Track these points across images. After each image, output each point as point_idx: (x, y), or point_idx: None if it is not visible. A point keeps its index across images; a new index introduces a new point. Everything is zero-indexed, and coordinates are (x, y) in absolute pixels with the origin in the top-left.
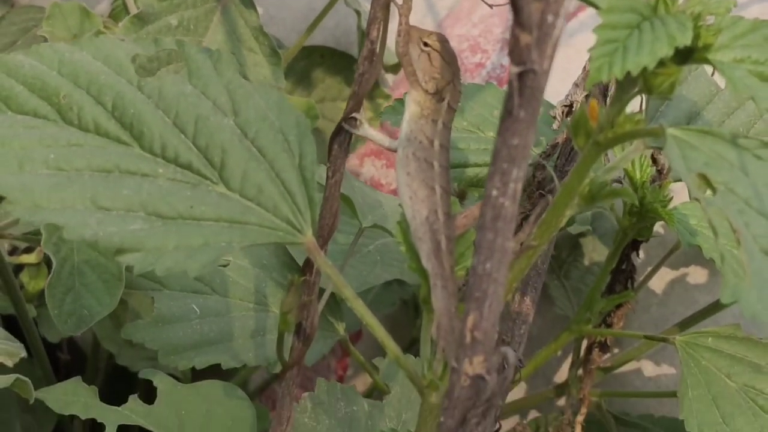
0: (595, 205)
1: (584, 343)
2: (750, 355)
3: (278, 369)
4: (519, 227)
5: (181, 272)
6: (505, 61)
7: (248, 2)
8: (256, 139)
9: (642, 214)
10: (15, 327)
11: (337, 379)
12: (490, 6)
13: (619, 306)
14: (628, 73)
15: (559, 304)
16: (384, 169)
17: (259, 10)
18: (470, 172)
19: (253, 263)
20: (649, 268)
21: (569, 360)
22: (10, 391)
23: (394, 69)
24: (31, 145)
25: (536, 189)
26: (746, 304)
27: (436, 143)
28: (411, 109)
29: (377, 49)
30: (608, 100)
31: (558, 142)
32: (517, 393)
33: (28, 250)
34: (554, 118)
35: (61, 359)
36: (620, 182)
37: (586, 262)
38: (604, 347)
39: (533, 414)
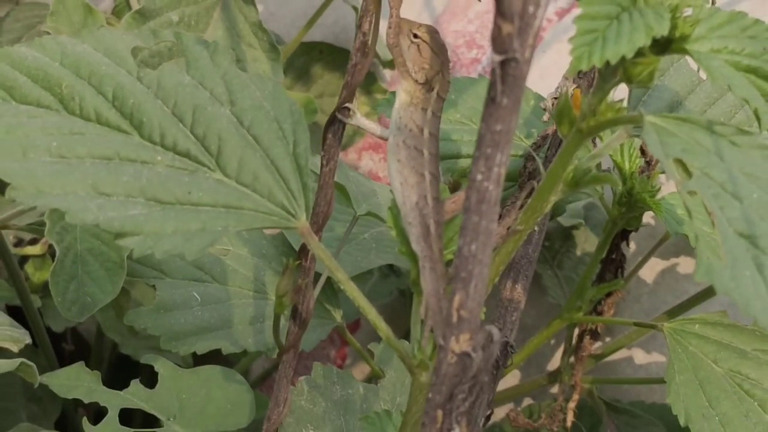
0: (580, 191)
1: (576, 331)
2: (736, 341)
3: (276, 354)
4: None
5: (179, 255)
6: None
7: None
8: (251, 127)
9: (631, 204)
10: (20, 317)
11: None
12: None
13: (609, 294)
14: (608, 62)
15: (551, 293)
16: (382, 163)
17: (260, 6)
18: (463, 162)
19: (252, 252)
20: (640, 258)
21: (562, 348)
22: (16, 380)
23: (391, 64)
24: (34, 133)
25: (527, 179)
26: (719, 283)
27: (426, 131)
28: (401, 99)
29: (369, 41)
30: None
31: (548, 134)
32: (511, 380)
33: (33, 242)
34: (545, 110)
35: (65, 350)
36: (610, 172)
37: (579, 253)
38: (594, 335)
39: (527, 401)
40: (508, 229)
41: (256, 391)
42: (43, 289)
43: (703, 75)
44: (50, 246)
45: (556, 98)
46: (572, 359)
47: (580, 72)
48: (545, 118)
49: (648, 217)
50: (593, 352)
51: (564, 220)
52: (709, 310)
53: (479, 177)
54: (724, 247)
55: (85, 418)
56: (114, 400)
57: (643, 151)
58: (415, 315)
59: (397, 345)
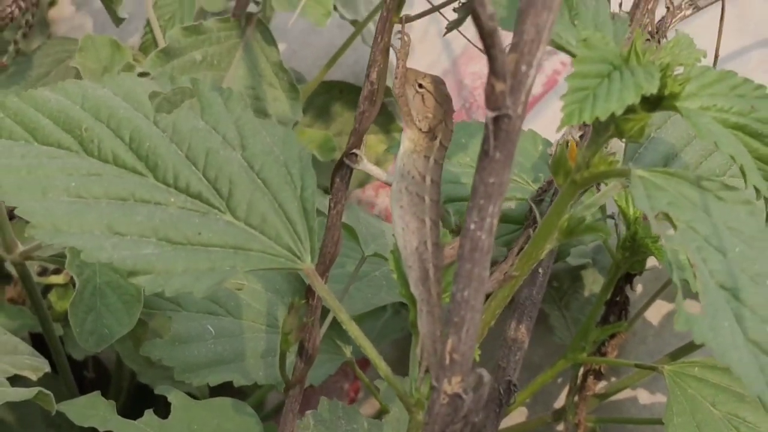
0: (576, 239)
1: (581, 371)
2: (734, 384)
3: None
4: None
5: (188, 293)
6: None
7: (269, 39)
8: (261, 171)
9: (634, 249)
10: (43, 344)
11: (349, 401)
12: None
13: (612, 336)
14: (599, 118)
15: (558, 333)
16: None
17: (283, 45)
18: None
19: (266, 287)
20: (646, 300)
21: (568, 387)
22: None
23: None
24: (54, 173)
25: (533, 223)
26: (698, 332)
27: (428, 178)
28: (405, 146)
29: (377, 90)
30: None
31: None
32: (518, 417)
33: (57, 272)
34: (551, 155)
35: (86, 377)
36: (613, 217)
37: (586, 294)
38: (598, 375)
39: None
40: (504, 274)
41: (270, 423)
42: (65, 318)
43: None
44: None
45: (562, 143)
46: (576, 398)
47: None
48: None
49: (653, 261)
50: (597, 392)
51: (572, 260)
52: (710, 352)
53: (472, 226)
54: (705, 299)
55: None
56: (127, 429)
57: None
58: (413, 355)
59: (396, 384)
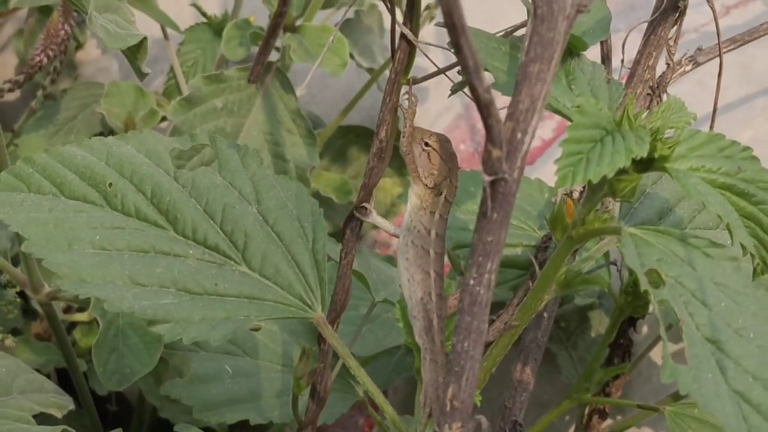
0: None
1: (586, 411)
2: None
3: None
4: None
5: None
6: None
7: (288, 87)
8: (275, 225)
9: (636, 294)
10: (67, 379)
11: None
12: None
13: (616, 377)
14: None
15: (565, 372)
16: None
17: (303, 89)
18: None
19: (282, 329)
20: (651, 341)
21: (575, 426)
22: None
23: None
24: (79, 227)
25: (532, 276)
26: (683, 384)
27: (433, 232)
28: (412, 201)
29: (386, 147)
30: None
31: None
32: None
33: (81, 310)
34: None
35: (109, 411)
36: (616, 263)
37: (593, 334)
38: (603, 414)
39: None
40: (505, 324)
41: None
42: (89, 354)
43: None
44: None
45: (566, 194)
46: None
47: None
48: None
49: None
50: (602, 431)
51: (579, 300)
52: None
53: (471, 282)
54: (691, 351)
55: None
56: None
57: None
58: (418, 401)
59: (401, 427)
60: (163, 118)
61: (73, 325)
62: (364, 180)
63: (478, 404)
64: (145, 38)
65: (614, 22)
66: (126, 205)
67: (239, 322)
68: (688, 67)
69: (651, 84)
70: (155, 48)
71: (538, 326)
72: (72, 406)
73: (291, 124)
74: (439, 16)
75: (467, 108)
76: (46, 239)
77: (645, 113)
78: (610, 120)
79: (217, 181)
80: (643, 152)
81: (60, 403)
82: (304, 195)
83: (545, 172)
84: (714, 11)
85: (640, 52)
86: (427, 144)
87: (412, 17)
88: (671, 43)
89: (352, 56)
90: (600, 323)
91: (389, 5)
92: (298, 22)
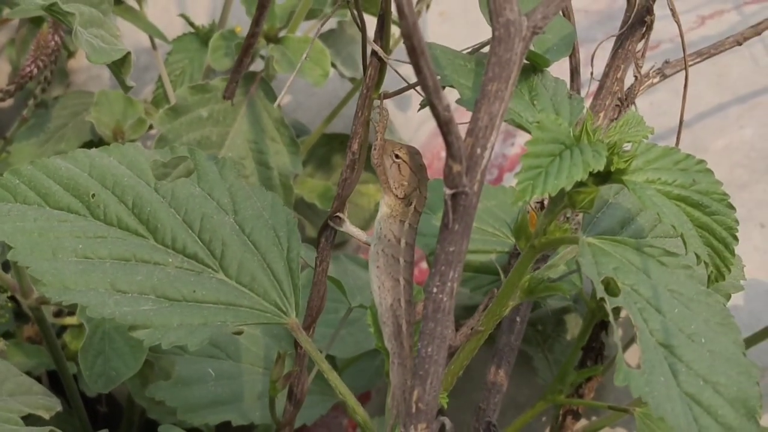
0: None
1: (561, 412)
2: None
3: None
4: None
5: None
6: (508, 151)
7: (272, 97)
8: (251, 234)
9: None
10: (58, 382)
11: None
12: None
13: (589, 379)
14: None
15: (541, 375)
16: None
17: (288, 97)
18: None
19: (264, 333)
20: (624, 344)
21: (550, 427)
22: None
23: None
24: (63, 236)
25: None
26: (635, 387)
27: (403, 241)
28: (383, 211)
29: (358, 159)
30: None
31: None
32: None
33: (72, 314)
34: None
35: (100, 412)
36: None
37: (569, 338)
38: (576, 415)
39: None
40: (471, 329)
41: None
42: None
43: None
44: None
45: (538, 203)
46: None
47: None
48: None
49: None
50: (576, 431)
51: (554, 302)
52: None
53: (435, 290)
54: (644, 355)
55: None
56: None
57: None
58: (387, 403)
59: (372, 428)
60: (152, 127)
61: (63, 329)
62: (337, 191)
63: (445, 406)
64: (129, 53)
65: (592, 32)
66: (108, 215)
67: (216, 328)
68: (656, 80)
69: (619, 96)
70: (144, 57)
71: (512, 330)
72: (60, 408)
73: (275, 133)
74: None
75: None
76: (31, 248)
77: (601, 129)
78: (569, 135)
79: (196, 192)
80: (600, 166)
81: (48, 405)
82: (279, 205)
83: None
84: (680, 26)
85: (609, 65)
86: (397, 156)
87: (383, 35)
88: (639, 56)
89: (335, 66)
90: (576, 326)
91: (359, 23)
92: (282, 33)
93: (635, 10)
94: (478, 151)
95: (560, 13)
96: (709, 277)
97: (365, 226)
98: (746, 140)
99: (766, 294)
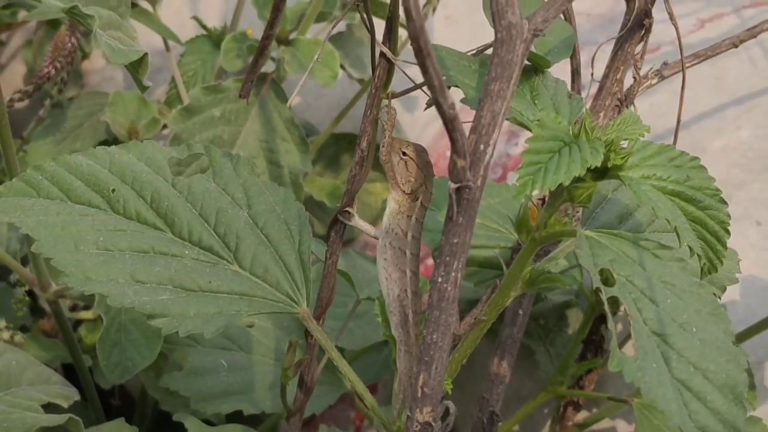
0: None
1: (562, 403)
2: None
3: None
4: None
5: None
6: (512, 151)
7: (282, 97)
8: (264, 227)
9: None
10: (73, 374)
11: (355, 428)
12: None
13: (589, 371)
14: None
15: (543, 368)
16: None
17: (298, 98)
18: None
19: (275, 325)
20: (624, 337)
21: (551, 418)
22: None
23: None
24: (85, 229)
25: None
26: (628, 372)
27: (410, 235)
28: (391, 206)
29: (366, 156)
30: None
31: None
32: None
33: (87, 308)
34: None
35: (113, 404)
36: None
37: (570, 331)
38: (577, 407)
39: None
40: (475, 319)
41: None
42: (94, 350)
43: None
44: None
45: (540, 199)
46: (558, 428)
47: None
48: None
49: None
50: (576, 422)
51: (556, 297)
52: None
53: (439, 280)
54: (637, 343)
55: None
56: None
57: None
58: (394, 389)
59: (380, 414)
60: (165, 126)
61: (78, 323)
62: (347, 186)
63: (449, 391)
64: (146, 54)
65: (594, 35)
66: (127, 210)
67: (231, 317)
68: (654, 81)
69: (619, 96)
70: (158, 59)
71: (514, 323)
72: (77, 397)
73: (285, 133)
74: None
75: None
76: (54, 241)
77: (600, 127)
78: (568, 132)
79: (211, 188)
80: (597, 162)
81: (66, 394)
82: (291, 200)
83: None
84: (677, 29)
85: (609, 67)
86: (404, 153)
87: (391, 37)
88: (638, 58)
89: (343, 68)
90: (577, 321)
91: (368, 26)
92: (292, 36)
93: (634, 13)
94: (481, 147)
95: (561, 16)
96: (702, 269)
97: (372, 223)
98: (743, 141)
99: (762, 290)
